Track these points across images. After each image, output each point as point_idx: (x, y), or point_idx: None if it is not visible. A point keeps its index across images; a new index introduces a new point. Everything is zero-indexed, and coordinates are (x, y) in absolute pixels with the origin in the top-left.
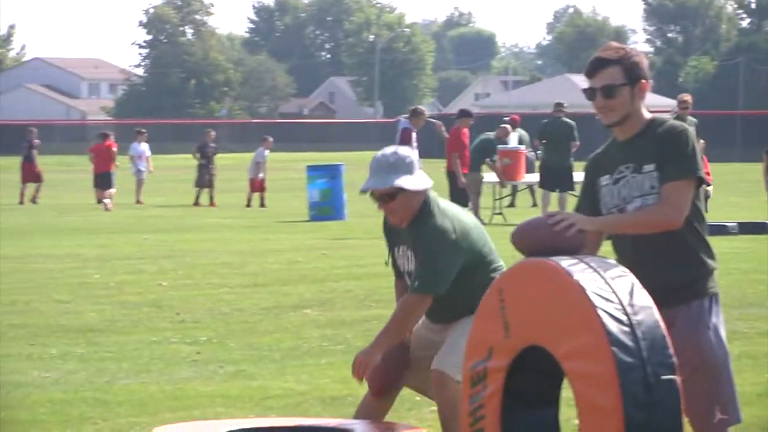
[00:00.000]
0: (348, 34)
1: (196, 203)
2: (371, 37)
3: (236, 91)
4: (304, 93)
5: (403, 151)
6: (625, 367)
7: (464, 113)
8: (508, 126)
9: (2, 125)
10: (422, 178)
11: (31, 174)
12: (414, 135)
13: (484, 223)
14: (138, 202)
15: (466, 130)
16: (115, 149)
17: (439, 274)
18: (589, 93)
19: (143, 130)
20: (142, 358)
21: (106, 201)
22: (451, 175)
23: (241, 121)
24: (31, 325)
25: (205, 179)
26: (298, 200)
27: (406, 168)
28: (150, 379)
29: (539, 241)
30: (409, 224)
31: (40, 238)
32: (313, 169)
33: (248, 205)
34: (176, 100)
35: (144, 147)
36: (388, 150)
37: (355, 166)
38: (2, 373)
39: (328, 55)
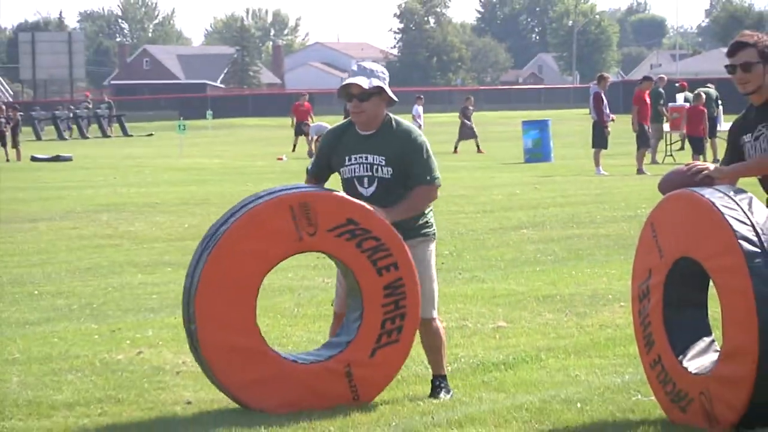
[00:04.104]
0: (552, 21)
1: (455, 151)
2: (570, 23)
3: (467, 65)
4: (519, 66)
5: (383, 68)
6: (751, 255)
7: (646, 78)
8: (664, 76)
9: (292, 94)
10: (392, 94)
11: None
12: (603, 95)
13: (657, 163)
14: None
15: (647, 92)
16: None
17: (434, 164)
18: (730, 68)
19: (421, 96)
20: None
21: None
22: (637, 125)
23: (472, 88)
24: None
25: (466, 132)
26: (515, 147)
27: (383, 79)
28: None
29: (676, 184)
30: (378, 131)
31: None
32: (527, 123)
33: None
34: (422, 73)
35: (420, 109)
36: (373, 63)
37: (558, 121)
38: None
39: (537, 37)
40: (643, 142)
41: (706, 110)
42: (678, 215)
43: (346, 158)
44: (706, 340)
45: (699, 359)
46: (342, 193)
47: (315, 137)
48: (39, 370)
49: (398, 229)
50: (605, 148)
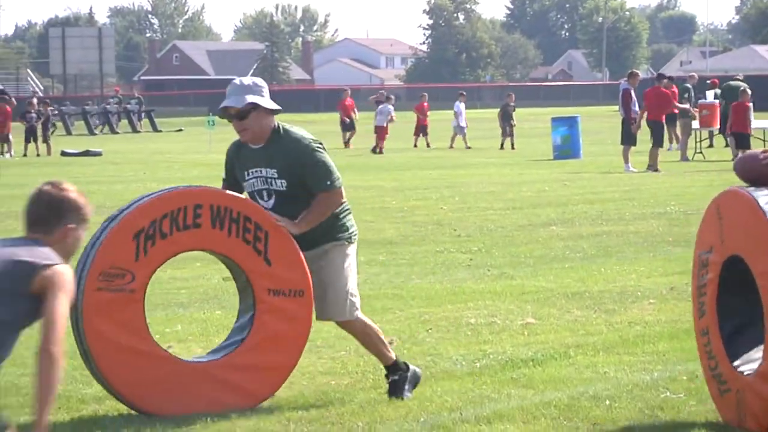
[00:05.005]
0: (582, 17)
1: (502, 147)
2: (600, 19)
3: (497, 61)
4: (549, 62)
5: (258, 80)
6: None
7: (660, 76)
8: (695, 74)
9: (321, 89)
10: (272, 102)
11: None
12: (632, 92)
13: (687, 160)
14: (454, 147)
15: (666, 89)
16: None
17: (333, 167)
18: None
19: (464, 92)
20: (428, 263)
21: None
22: (652, 123)
23: (501, 84)
24: None
25: (506, 130)
26: (544, 144)
27: (258, 91)
28: (435, 279)
29: (751, 168)
30: (267, 143)
31: (351, 173)
32: (556, 120)
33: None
34: (451, 69)
35: (462, 106)
36: (246, 78)
37: (588, 117)
38: None
39: (567, 33)
40: (657, 139)
41: (751, 105)
42: (740, 215)
43: (245, 173)
44: (758, 326)
45: (745, 352)
46: (115, 221)
47: (390, 118)
48: (69, 364)
49: (307, 238)
50: (634, 144)
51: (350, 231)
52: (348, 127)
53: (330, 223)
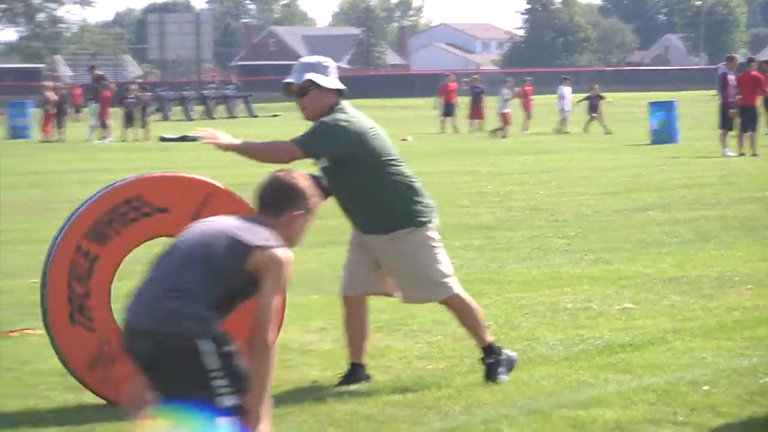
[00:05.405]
0: (679, 1)
1: (588, 128)
2: (698, 3)
3: (593, 46)
4: (645, 46)
5: (325, 59)
6: None
7: (750, 60)
8: None
9: (417, 75)
10: (335, 81)
11: (477, 111)
12: (731, 77)
13: None
14: (560, 131)
15: (760, 73)
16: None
17: (316, 136)
18: None
19: (568, 77)
20: (525, 248)
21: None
22: (742, 108)
23: (598, 68)
24: (442, 224)
25: (593, 116)
26: (641, 129)
27: (321, 69)
28: (532, 264)
29: None
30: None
31: (448, 158)
32: (654, 105)
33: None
34: (548, 54)
35: (567, 90)
36: (312, 57)
37: (685, 102)
38: None
39: (664, 18)
40: (747, 124)
41: None
42: None
43: None
44: None
45: None
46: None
47: (508, 98)
48: None
49: (373, 222)
50: (731, 129)
51: (420, 216)
52: (449, 111)
53: (395, 208)
